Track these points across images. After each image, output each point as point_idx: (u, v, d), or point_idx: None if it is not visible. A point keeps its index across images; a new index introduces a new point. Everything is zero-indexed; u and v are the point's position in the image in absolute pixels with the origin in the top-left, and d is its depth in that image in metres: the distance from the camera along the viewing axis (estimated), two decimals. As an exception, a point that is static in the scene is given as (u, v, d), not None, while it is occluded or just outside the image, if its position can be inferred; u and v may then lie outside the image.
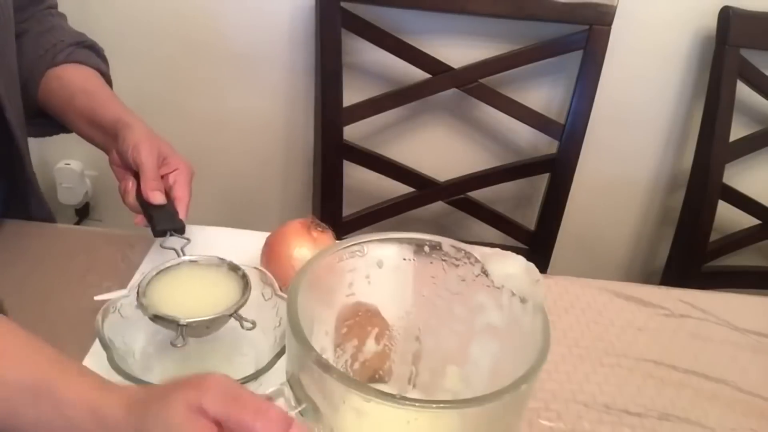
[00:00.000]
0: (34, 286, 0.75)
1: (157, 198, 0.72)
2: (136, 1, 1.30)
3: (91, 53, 0.88)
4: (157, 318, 0.61)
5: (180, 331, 0.60)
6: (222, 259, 0.67)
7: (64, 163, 1.47)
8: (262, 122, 1.43)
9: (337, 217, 1.38)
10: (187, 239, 0.71)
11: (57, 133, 0.90)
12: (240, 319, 0.63)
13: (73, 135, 0.89)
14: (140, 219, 0.73)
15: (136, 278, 0.67)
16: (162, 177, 0.75)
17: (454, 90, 1.30)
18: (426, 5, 1.24)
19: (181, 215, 0.72)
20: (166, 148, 0.75)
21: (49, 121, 0.87)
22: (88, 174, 1.52)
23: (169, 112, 1.39)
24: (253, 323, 0.63)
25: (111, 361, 0.57)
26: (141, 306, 0.61)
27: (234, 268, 0.67)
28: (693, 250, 1.37)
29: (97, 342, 0.61)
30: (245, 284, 0.65)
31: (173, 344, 0.60)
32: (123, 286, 0.70)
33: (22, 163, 0.82)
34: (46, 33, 0.86)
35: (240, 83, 1.39)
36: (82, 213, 1.57)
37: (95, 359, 0.62)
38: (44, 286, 0.75)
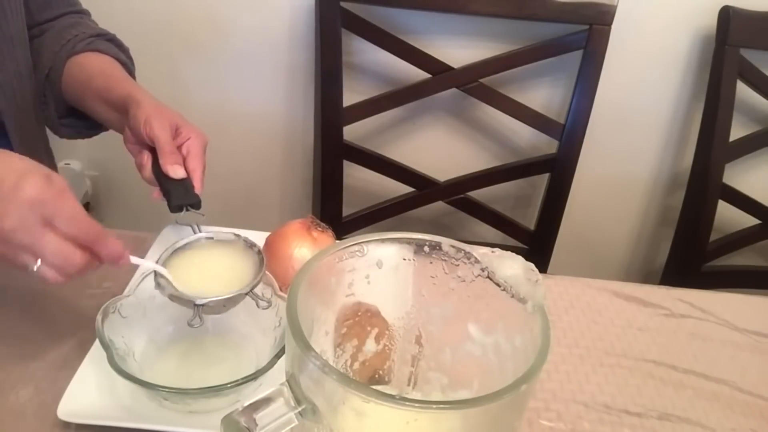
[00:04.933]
0: (34, 286, 0.75)
1: (178, 172, 0.71)
2: (135, 0, 1.30)
3: (111, 45, 0.89)
4: (173, 297, 0.61)
5: (196, 311, 0.60)
6: (237, 236, 0.67)
7: (64, 163, 1.47)
8: (262, 122, 1.43)
9: (337, 217, 1.38)
10: (202, 214, 0.70)
11: (88, 135, 0.91)
12: (255, 297, 0.63)
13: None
14: (157, 193, 0.73)
15: (136, 278, 0.67)
16: (177, 148, 0.74)
17: (454, 90, 1.30)
18: (426, 5, 1.24)
19: (197, 188, 0.71)
20: (177, 119, 0.75)
21: (78, 121, 0.88)
22: (88, 174, 1.52)
23: (169, 112, 1.39)
24: (269, 302, 0.63)
25: (111, 361, 0.57)
26: (158, 285, 0.61)
27: (250, 244, 0.67)
28: (693, 250, 1.37)
29: (97, 342, 0.61)
30: (260, 261, 0.65)
31: (190, 324, 0.59)
32: (123, 286, 0.70)
33: None
34: (69, 27, 0.88)
35: (240, 83, 1.39)
36: (82, 213, 1.57)
37: (95, 359, 0.62)
38: (44, 287, 0.75)
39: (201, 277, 0.64)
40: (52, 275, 0.57)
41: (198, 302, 0.60)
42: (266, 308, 0.63)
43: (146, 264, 0.63)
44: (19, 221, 0.54)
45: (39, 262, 0.55)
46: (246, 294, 0.62)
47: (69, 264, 0.56)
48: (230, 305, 0.63)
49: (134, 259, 0.61)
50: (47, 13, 0.88)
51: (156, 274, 0.62)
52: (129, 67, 0.90)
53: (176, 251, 0.65)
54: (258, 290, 0.65)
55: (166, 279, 0.62)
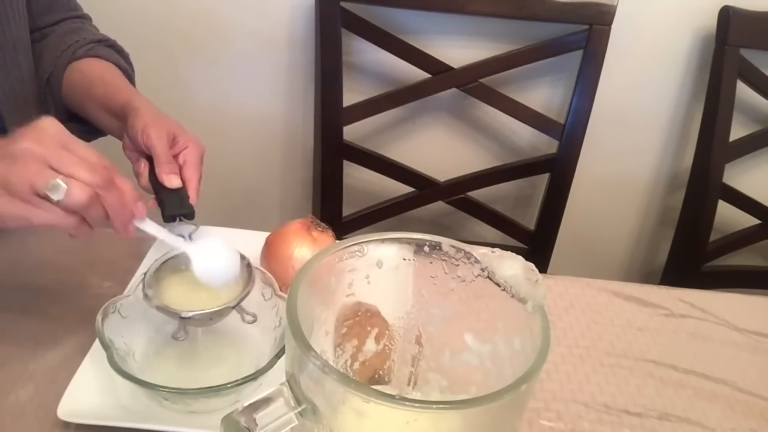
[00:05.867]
0: (35, 286, 0.75)
1: (173, 181, 0.71)
2: (135, 0, 1.30)
3: (112, 51, 0.90)
4: (160, 308, 0.61)
5: (181, 324, 0.60)
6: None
7: (64, 163, 1.47)
8: (262, 122, 1.43)
9: (337, 217, 1.38)
10: (196, 225, 0.70)
11: (87, 140, 0.92)
12: (241, 311, 0.63)
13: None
14: (153, 202, 0.73)
15: (136, 278, 0.67)
16: (173, 157, 0.74)
17: (454, 90, 1.30)
18: (426, 5, 1.24)
19: (191, 197, 0.72)
20: (174, 128, 0.75)
21: (78, 126, 0.89)
22: (88, 174, 1.52)
23: (169, 111, 1.38)
24: (254, 316, 0.63)
25: (111, 361, 0.57)
26: (145, 297, 0.61)
27: (240, 257, 0.66)
28: (693, 250, 1.37)
29: (97, 342, 0.61)
30: (249, 275, 0.65)
31: (174, 338, 0.60)
32: (123, 286, 0.70)
33: None
34: (70, 33, 0.88)
35: (240, 83, 1.39)
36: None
37: (95, 359, 0.62)
38: (45, 286, 0.75)
39: (190, 289, 0.64)
40: (78, 190, 0.55)
41: (183, 315, 0.60)
42: (251, 323, 0.63)
43: (158, 233, 0.63)
44: (37, 139, 0.55)
45: (62, 180, 0.54)
46: (233, 308, 0.62)
47: (95, 174, 0.56)
48: (217, 318, 0.63)
49: (147, 225, 0.61)
50: (48, 18, 0.88)
51: (144, 285, 0.62)
52: (129, 73, 0.90)
53: (166, 262, 0.65)
54: (256, 292, 0.65)
55: (153, 291, 0.62)
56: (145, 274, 0.63)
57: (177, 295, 0.63)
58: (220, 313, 0.62)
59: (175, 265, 0.65)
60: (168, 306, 0.61)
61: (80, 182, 0.55)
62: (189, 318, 0.60)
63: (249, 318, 0.63)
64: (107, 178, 0.57)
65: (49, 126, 0.56)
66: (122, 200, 0.58)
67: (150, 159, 0.74)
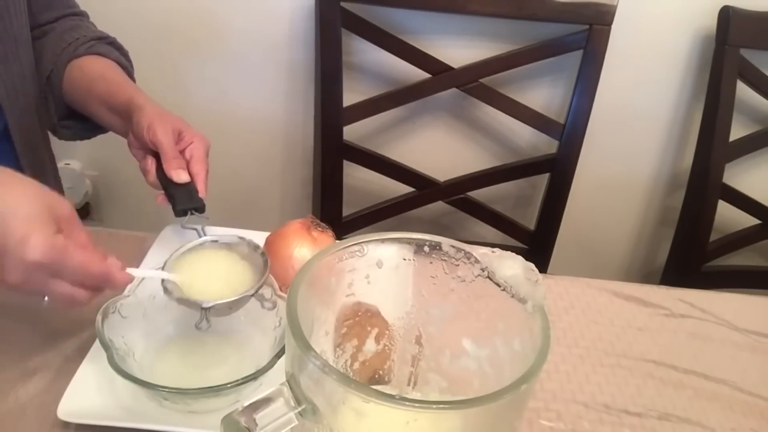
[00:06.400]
0: (34, 286, 0.75)
1: (182, 176, 0.72)
2: (135, 0, 1.30)
3: (112, 48, 0.90)
4: (181, 301, 0.61)
5: (203, 314, 0.60)
6: (242, 238, 0.67)
7: (64, 163, 1.47)
8: (262, 122, 1.43)
9: (337, 217, 1.38)
10: (207, 218, 0.71)
11: (87, 137, 0.92)
12: (261, 299, 0.63)
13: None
14: (162, 198, 0.73)
15: (137, 278, 0.67)
16: (180, 152, 0.75)
17: (454, 90, 1.30)
18: (426, 5, 1.24)
19: (200, 191, 0.72)
20: (179, 124, 0.76)
21: (78, 123, 0.89)
22: (88, 174, 1.52)
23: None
24: (274, 303, 0.63)
25: (111, 361, 0.57)
26: (165, 290, 0.62)
27: (254, 247, 0.67)
28: (693, 250, 1.37)
29: (97, 342, 0.61)
30: (264, 263, 0.65)
31: (198, 327, 0.60)
32: (123, 286, 0.70)
33: (19, 166, 0.83)
34: (70, 30, 0.88)
35: (240, 84, 1.39)
36: (83, 213, 1.57)
37: (95, 359, 0.62)
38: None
39: (207, 280, 0.64)
40: (62, 305, 0.58)
41: (205, 305, 0.60)
42: (271, 309, 0.63)
43: (149, 274, 0.64)
44: (26, 278, 0.55)
45: (46, 298, 0.57)
46: (251, 296, 0.62)
47: (76, 303, 0.58)
48: (236, 307, 0.63)
49: (137, 271, 0.62)
50: (47, 15, 0.88)
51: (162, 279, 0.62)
52: (129, 70, 0.90)
53: (182, 255, 0.66)
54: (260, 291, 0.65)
55: (174, 283, 0.62)
56: (164, 266, 0.63)
57: (194, 286, 0.63)
58: (240, 302, 0.62)
59: (189, 257, 0.66)
60: (189, 297, 0.61)
61: (67, 300, 0.57)
62: (210, 308, 0.60)
63: (269, 305, 0.63)
64: (91, 297, 0.59)
65: (36, 258, 0.53)
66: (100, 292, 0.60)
67: (157, 156, 0.74)
